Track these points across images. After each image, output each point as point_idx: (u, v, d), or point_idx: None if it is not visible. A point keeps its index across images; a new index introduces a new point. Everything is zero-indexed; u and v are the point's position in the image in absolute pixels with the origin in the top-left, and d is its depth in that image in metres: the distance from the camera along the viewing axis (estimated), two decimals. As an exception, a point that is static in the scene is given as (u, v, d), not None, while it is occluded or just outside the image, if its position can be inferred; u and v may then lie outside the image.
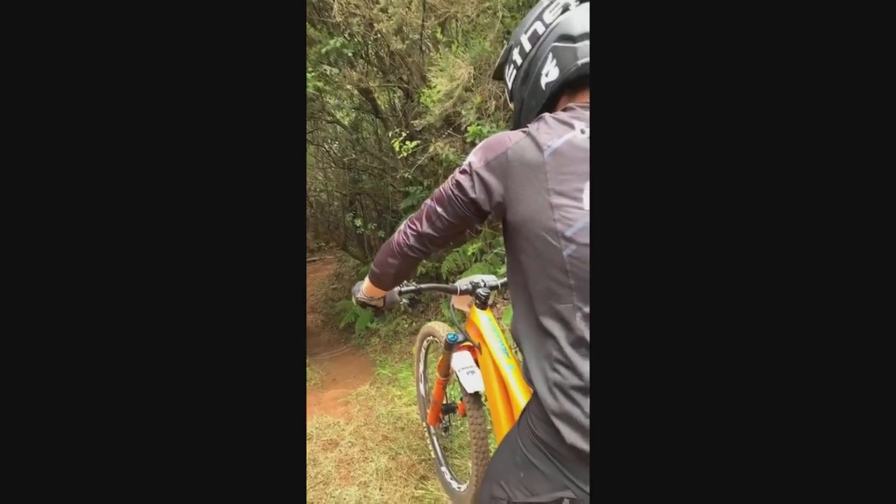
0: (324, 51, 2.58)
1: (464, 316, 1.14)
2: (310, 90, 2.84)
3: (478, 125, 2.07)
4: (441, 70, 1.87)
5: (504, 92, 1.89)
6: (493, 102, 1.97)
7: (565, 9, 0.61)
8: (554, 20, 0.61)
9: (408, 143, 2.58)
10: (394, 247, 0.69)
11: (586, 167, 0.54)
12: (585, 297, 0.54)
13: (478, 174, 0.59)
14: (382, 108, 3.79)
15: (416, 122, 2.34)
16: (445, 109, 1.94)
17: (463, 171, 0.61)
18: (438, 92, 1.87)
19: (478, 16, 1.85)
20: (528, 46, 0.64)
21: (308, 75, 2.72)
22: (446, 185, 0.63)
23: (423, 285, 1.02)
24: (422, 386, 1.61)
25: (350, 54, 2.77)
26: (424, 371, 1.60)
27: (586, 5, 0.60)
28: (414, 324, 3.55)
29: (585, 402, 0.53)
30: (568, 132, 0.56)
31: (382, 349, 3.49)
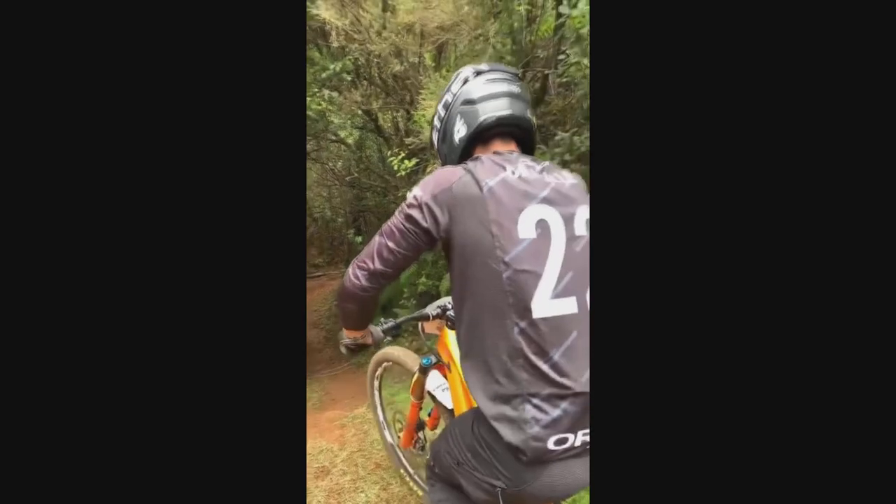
0: (324, 75, 2.64)
1: (435, 338, 1.17)
2: (312, 112, 2.89)
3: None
4: (431, 93, 1.90)
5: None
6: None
7: (465, 81, 0.76)
8: (458, 90, 0.76)
9: (406, 161, 2.60)
10: (347, 293, 0.72)
11: (518, 203, 0.64)
12: (521, 313, 0.62)
13: (427, 206, 0.66)
14: (385, 127, 3.84)
15: (409, 139, 2.36)
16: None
17: (411, 205, 0.67)
18: (426, 114, 1.89)
19: (470, 41, 1.88)
20: (442, 113, 0.79)
21: (310, 98, 2.78)
22: (395, 221, 0.68)
23: (400, 319, 1.03)
24: (387, 433, 1.56)
25: (350, 79, 2.82)
26: (384, 413, 1.57)
27: (482, 76, 0.75)
28: (415, 342, 3.52)
29: (522, 407, 0.61)
30: (501, 172, 0.66)
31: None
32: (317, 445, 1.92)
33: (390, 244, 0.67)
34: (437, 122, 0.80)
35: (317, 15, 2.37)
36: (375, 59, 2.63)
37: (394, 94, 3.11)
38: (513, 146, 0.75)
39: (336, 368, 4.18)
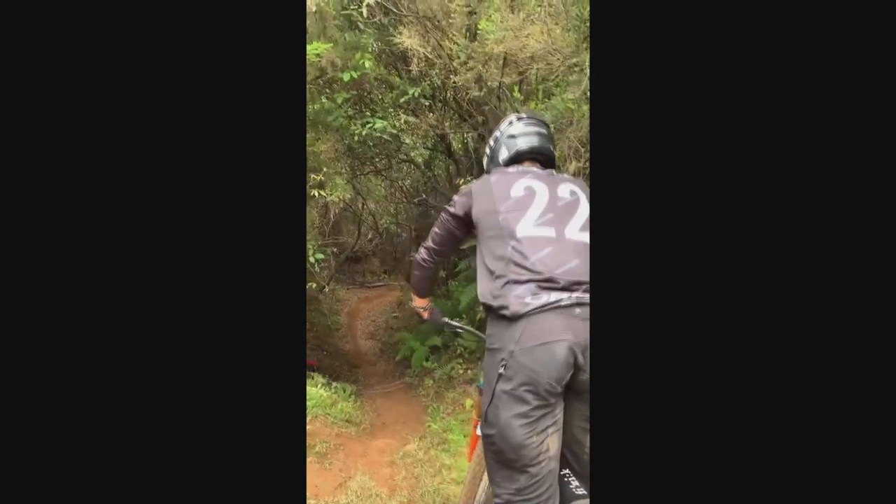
0: (402, 100, 2.64)
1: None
2: (387, 135, 2.93)
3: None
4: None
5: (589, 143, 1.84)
6: (574, 163, 1.82)
7: (510, 123, 1.17)
8: (505, 128, 1.17)
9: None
10: (415, 262, 1.18)
11: (512, 180, 1.01)
12: (511, 236, 0.93)
13: (457, 201, 1.07)
14: (456, 149, 3.81)
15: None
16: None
17: (450, 205, 1.09)
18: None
19: (563, 71, 1.75)
20: (492, 143, 1.19)
21: (386, 122, 2.82)
22: (441, 215, 1.11)
23: (466, 327, 1.26)
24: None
25: (427, 103, 2.80)
26: None
27: (522, 121, 1.16)
28: (469, 371, 3.39)
29: (506, 287, 0.90)
30: (503, 171, 1.07)
31: (435, 394, 3.36)
32: (366, 486, 1.86)
33: (436, 229, 1.11)
34: (488, 150, 1.20)
35: (400, 42, 2.38)
36: (453, 84, 2.60)
37: (470, 119, 3.04)
38: (537, 166, 1.12)
39: (388, 385, 4.17)
